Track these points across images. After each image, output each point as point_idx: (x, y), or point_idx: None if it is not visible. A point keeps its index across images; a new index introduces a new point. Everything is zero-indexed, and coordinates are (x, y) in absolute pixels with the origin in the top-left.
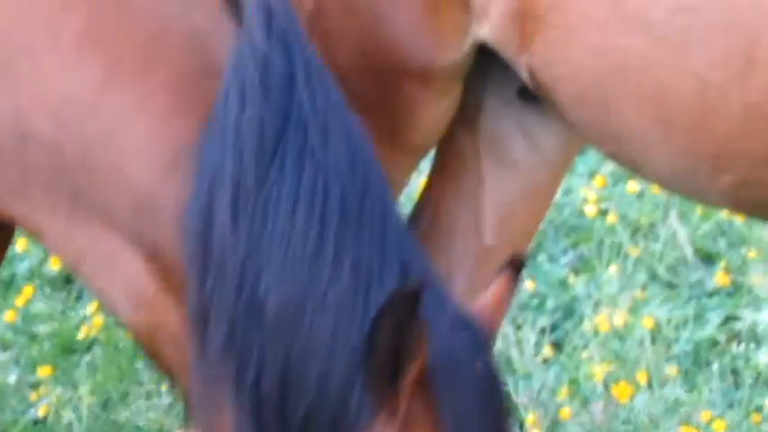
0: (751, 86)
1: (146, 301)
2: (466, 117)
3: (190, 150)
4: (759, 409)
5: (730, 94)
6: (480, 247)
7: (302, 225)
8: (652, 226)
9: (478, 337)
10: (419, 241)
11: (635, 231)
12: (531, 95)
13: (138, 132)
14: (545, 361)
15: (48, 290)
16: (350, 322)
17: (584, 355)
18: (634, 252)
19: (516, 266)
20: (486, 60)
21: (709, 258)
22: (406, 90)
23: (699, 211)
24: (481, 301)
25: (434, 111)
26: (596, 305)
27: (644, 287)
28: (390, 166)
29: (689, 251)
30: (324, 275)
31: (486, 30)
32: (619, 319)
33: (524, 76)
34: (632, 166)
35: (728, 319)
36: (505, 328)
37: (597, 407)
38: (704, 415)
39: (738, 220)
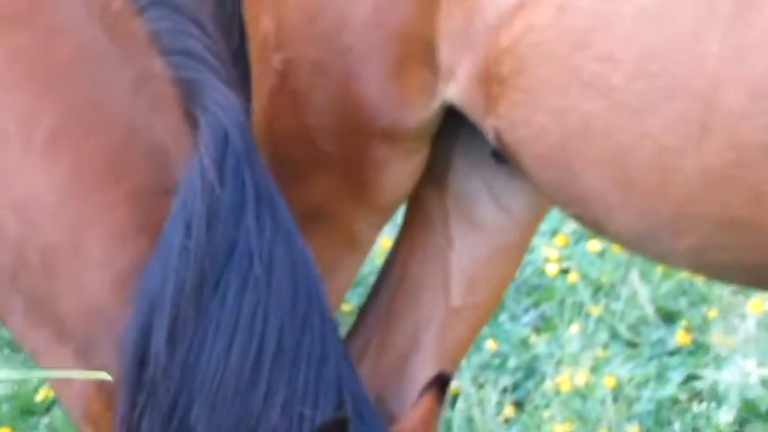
0: (706, 151)
1: (91, 417)
2: (435, 177)
3: (138, 270)
4: None
5: (687, 158)
6: (447, 308)
7: (238, 358)
8: (613, 285)
9: None
10: (386, 301)
11: (596, 290)
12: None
13: (96, 245)
14: (507, 420)
15: (7, 351)
16: None
17: (546, 414)
18: (595, 311)
19: (442, 384)
20: (454, 121)
21: (670, 317)
22: (374, 149)
23: (660, 270)
24: (408, 423)
25: (402, 170)
26: (558, 364)
27: (605, 346)
28: (358, 224)
29: (650, 310)
30: (255, 410)
31: (454, 92)
32: (580, 378)
33: (491, 137)
34: (597, 227)
35: (690, 377)
36: (467, 388)
37: None
38: None
39: (699, 279)
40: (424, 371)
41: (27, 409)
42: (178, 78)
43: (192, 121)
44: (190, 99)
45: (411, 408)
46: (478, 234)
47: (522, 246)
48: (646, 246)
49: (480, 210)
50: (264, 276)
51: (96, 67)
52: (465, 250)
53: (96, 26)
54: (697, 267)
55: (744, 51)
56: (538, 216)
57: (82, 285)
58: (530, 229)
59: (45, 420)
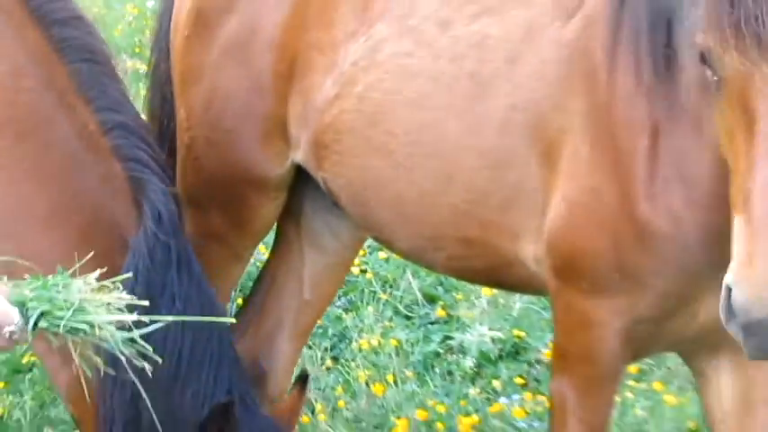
0: (451, 193)
1: (69, 398)
2: (293, 218)
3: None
4: (466, 396)
5: (439, 199)
6: (301, 301)
7: (166, 363)
8: (395, 279)
9: None
10: (261, 298)
11: (384, 283)
12: None
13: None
14: (328, 369)
15: None
16: None
17: (353, 365)
18: (384, 297)
19: (304, 381)
20: (304, 179)
21: (432, 299)
22: (248, 195)
23: (425, 270)
24: (281, 409)
25: (268, 209)
26: (360, 332)
27: (390, 319)
28: (239, 244)
29: (419, 295)
30: (176, 397)
31: (299, 155)
32: (375, 341)
33: (322, 186)
34: (387, 244)
35: (445, 338)
36: (302, 349)
37: (362, 399)
38: (431, 402)
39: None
40: (285, 343)
41: (17, 368)
42: (130, 177)
43: (137, 206)
44: (137, 191)
45: (283, 397)
46: (321, 255)
47: (349, 260)
48: (417, 257)
49: (323, 239)
50: (183, 311)
51: (77, 168)
52: (312, 265)
53: (77, 140)
54: (450, 272)
55: (473, 128)
56: (360, 241)
57: None
58: (355, 249)
59: (29, 376)
